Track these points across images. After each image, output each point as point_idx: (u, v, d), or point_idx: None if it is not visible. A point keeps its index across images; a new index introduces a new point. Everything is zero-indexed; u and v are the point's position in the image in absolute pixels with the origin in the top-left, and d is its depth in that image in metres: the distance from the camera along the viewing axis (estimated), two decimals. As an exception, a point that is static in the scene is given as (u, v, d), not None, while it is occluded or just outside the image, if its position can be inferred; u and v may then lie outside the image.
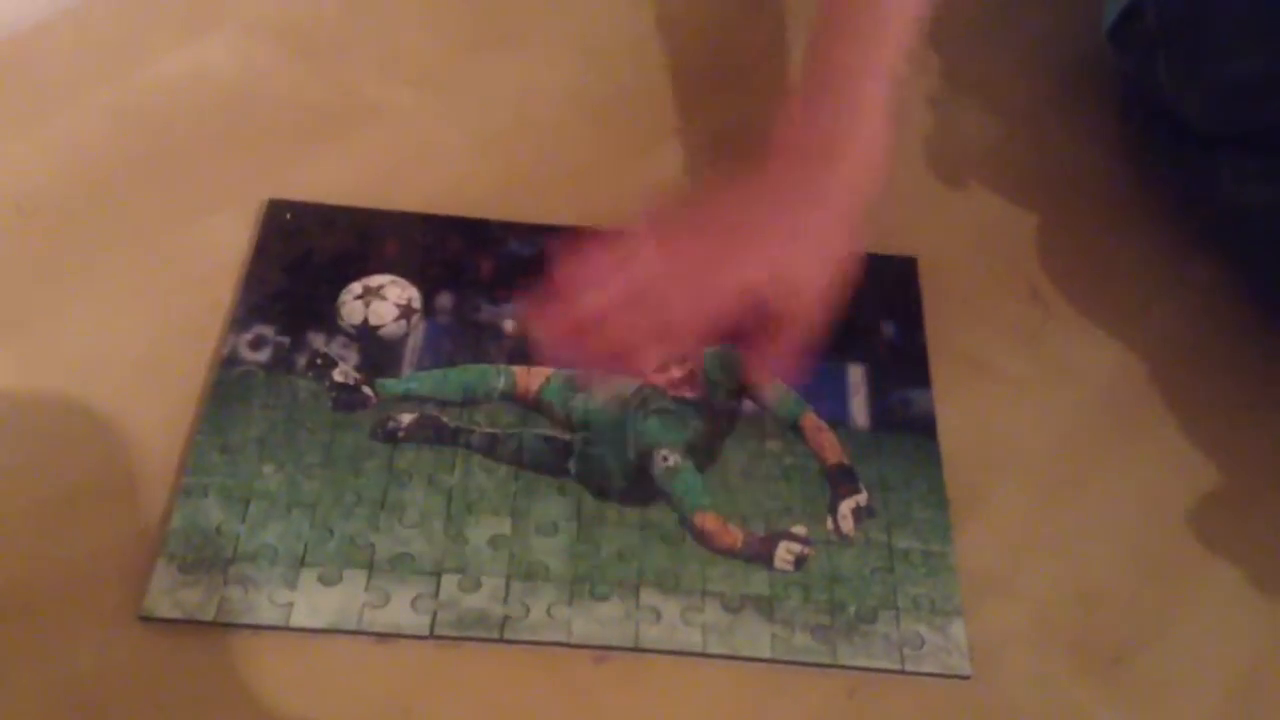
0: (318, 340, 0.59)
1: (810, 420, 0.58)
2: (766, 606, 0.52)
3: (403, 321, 0.60)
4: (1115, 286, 0.65)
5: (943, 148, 0.71)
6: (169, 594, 0.50)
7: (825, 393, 0.59)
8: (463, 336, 0.60)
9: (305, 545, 0.52)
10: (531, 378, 0.58)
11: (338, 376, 0.57)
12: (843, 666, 0.50)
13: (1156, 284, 0.66)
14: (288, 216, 0.63)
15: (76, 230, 0.62)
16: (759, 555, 0.53)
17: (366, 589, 0.51)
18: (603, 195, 0.66)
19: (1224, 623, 0.54)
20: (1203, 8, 0.62)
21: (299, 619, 0.50)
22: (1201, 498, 0.57)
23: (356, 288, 0.61)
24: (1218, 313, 0.64)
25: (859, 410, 0.59)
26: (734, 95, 0.72)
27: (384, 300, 0.60)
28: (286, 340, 0.58)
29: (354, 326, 0.59)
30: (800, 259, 0.53)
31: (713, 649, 0.50)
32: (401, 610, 0.50)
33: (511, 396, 0.58)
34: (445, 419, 0.56)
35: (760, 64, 0.74)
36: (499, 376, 0.58)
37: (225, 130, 0.67)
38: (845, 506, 0.55)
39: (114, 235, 0.62)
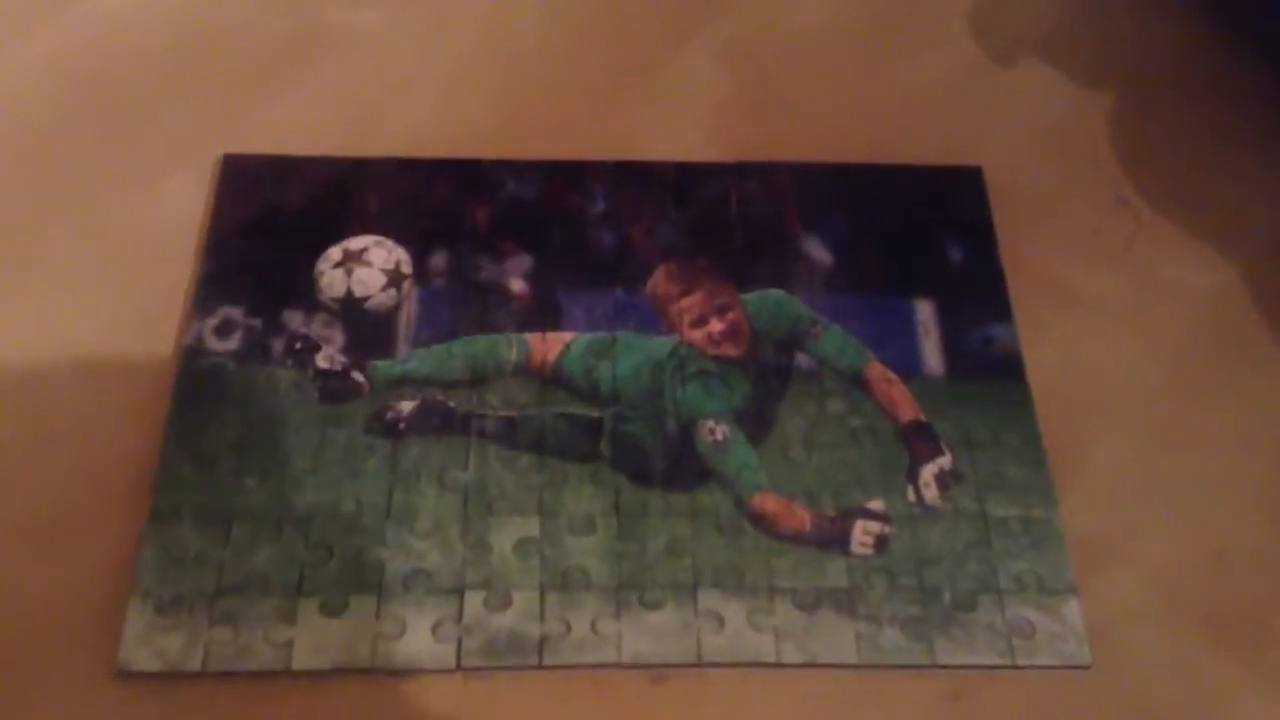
0: (295, 320, 0.50)
1: (876, 371, 0.50)
2: (846, 600, 0.44)
3: (392, 290, 0.51)
4: (1210, 185, 0.56)
5: (997, 35, 0.61)
6: (146, 641, 0.42)
7: (890, 336, 0.51)
8: (463, 302, 0.51)
9: (301, 570, 0.44)
10: (548, 345, 0.50)
11: (322, 363, 0.49)
12: (942, 666, 0.43)
13: (1259, 179, 0.57)
14: (246, 172, 0.54)
15: (4, 206, 0.53)
16: (832, 539, 0.45)
17: (378, 617, 0.43)
18: (606, 121, 0.57)
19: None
20: None
21: (301, 660, 0.42)
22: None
23: (335, 254, 0.52)
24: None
25: (931, 354, 0.50)
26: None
27: (368, 266, 0.51)
28: (258, 323, 0.50)
29: (336, 300, 0.51)
30: None
31: (788, 658, 0.43)
32: (421, 640, 0.43)
33: (526, 370, 0.50)
34: (452, 403, 0.48)
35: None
36: (510, 347, 0.50)
37: (170, 74, 0.58)
38: (927, 472, 0.47)
39: (49, 210, 0.53)
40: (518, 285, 0.52)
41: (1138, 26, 0.61)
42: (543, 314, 0.51)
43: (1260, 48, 0.59)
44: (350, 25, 0.60)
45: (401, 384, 0.49)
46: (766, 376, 0.50)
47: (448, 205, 0.54)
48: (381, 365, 0.49)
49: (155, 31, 0.60)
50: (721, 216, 0.54)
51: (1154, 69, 0.60)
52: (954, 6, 0.61)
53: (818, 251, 0.53)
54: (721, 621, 0.44)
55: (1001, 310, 0.51)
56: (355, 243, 0.52)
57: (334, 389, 0.48)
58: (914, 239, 0.53)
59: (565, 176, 0.55)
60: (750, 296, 0.51)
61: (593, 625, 0.43)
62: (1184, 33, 0.61)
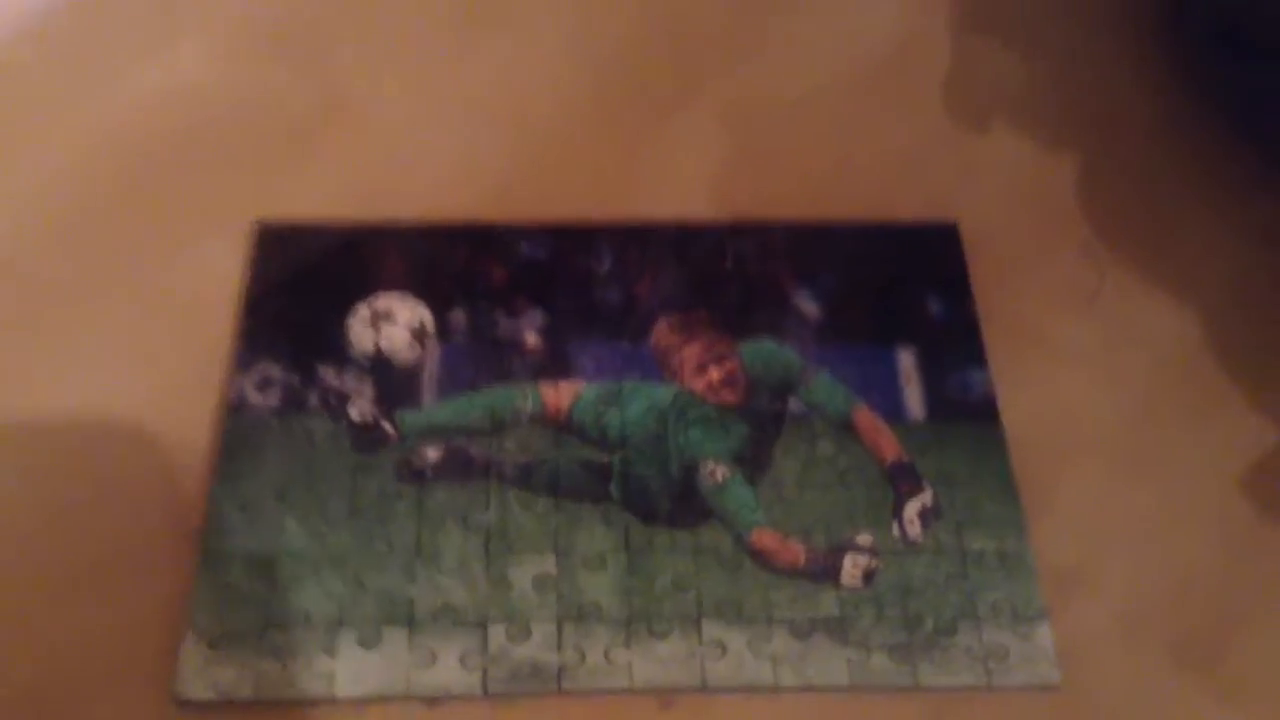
0: (328, 374, 0.55)
1: (863, 415, 0.54)
2: (839, 628, 0.48)
3: (416, 346, 0.56)
4: (1173, 236, 0.61)
5: (971, 100, 0.66)
6: (201, 673, 0.47)
7: (875, 382, 0.55)
8: (482, 356, 0.56)
9: (340, 605, 0.48)
10: (560, 395, 0.54)
11: (354, 415, 0.53)
12: (925, 688, 0.47)
13: (1219, 229, 0.61)
14: (280, 238, 0.59)
15: (56, 277, 0.58)
16: (824, 572, 0.50)
17: (410, 648, 0.48)
18: (613, 181, 0.62)
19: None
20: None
21: (343, 688, 0.47)
22: (1257, 464, 0.53)
23: (364, 312, 0.56)
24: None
25: (913, 399, 0.55)
26: (746, 60, 0.67)
27: (394, 324, 0.56)
28: (295, 378, 0.54)
29: (365, 356, 0.55)
30: None
31: (785, 681, 0.47)
32: (450, 669, 0.47)
33: (541, 418, 0.54)
34: (473, 450, 0.53)
35: (773, 25, 0.68)
36: (526, 397, 0.54)
37: (204, 148, 0.62)
38: (910, 509, 0.51)
39: (99, 275, 0.58)
40: (532, 339, 0.56)
41: (1101, 90, 0.66)
42: (555, 365, 0.55)
43: (1219, 106, 0.64)
44: (370, 99, 0.65)
45: (427, 433, 0.53)
46: (762, 421, 0.54)
47: (466, 266, 0.58)
48: (409, 416, 0.54)
49: (187, 108, 0.64)
50: (719, 272, 0.58)
51: (1116, 129, 0.65)
52: (931, 74, 0.66)
53: (807, 304, 0.57)
54: (724, 649, 0.48)
55: (977, 357, 0.56)
56: (382, 302, 0.57)
57: (366, 439, 0.53)
58: (896, 292, 0.58)
59: (574, 238, 0.59)
60: (746, 346, 0.56)
61: (606, 654, 0.48)
62: (1144, 95, 0.66)
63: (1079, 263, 0.60)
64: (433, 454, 0.53)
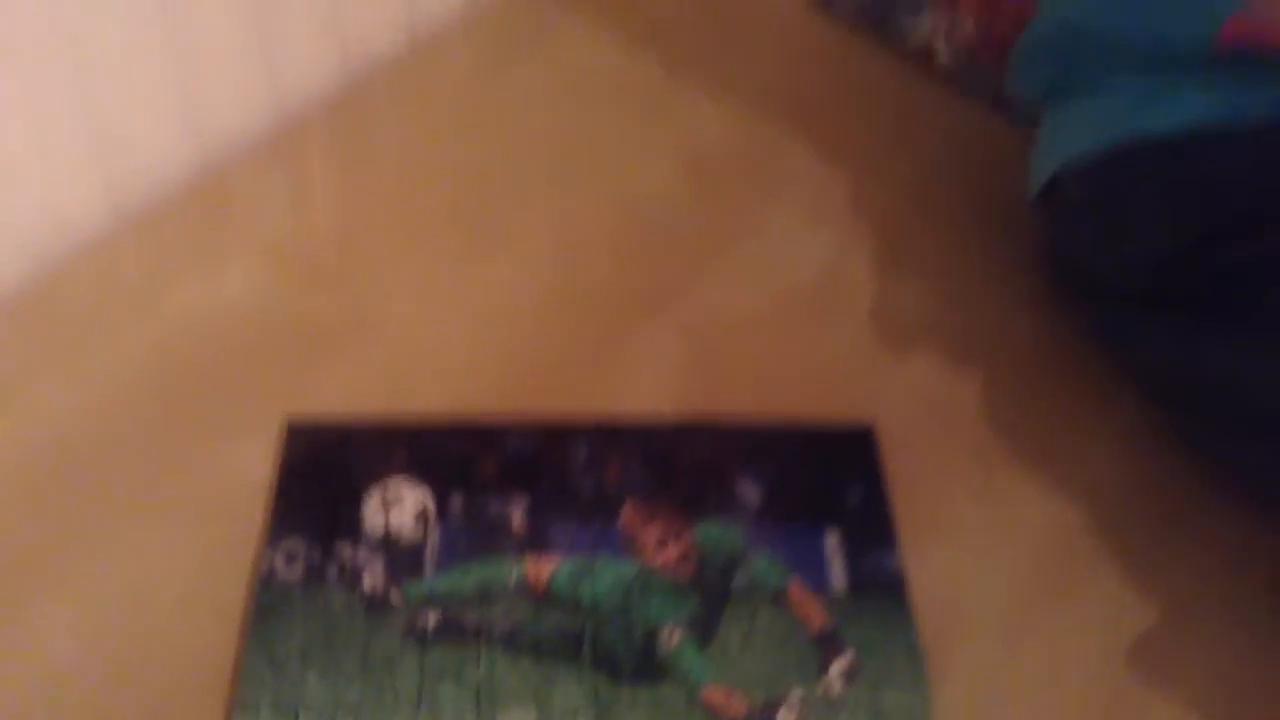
0: (345, 550, 0.65)
1: (795, 589, 0.65)
2: (773, 771, 0.58)
3: (420, 527, 0.66)
4: (1054, 436, 0.73)
5: (885, 315, 0.79)
6: (234, 809, 0.55)
7: (805, 560, 0.66)
8: (475, 535, 0.66)
9: (354, 750, 0.58)
10: (541, 569, 0.65)
11: (366, 586, 0.63)
12: (845, 822, 0.57)
13: (1092, 431, 0.73)
14: (306, 433, 0.70)
15: (114, 467, 0.68)
16: (762, 723, 0.59)
17: (413, 787, 0.56)
18: (587, 384, 0.74)
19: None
20: (1117, 185, 0.69)
21: (354, 822, 0.55)
22: (1139, 638, 0.64)
23: (376, 497, 0.67)
24: (1142, 456, 0.72)
25: (837, 575, 0.65)
26: (702, 283, 0.80)
27: (402, 508, 0.67)
28: (317, 553, 0.64)
29: (377, 535, 0.66)
30: None
31: (729, 816, 0.56)
32: (446, 805, 0.56)
33: (525, 589, 0.64)
34: (467, 617, 0.62)
35: (724, 255, 0.82)
36: (512, 571, 0.64)
37: (241, 356, 0.74)
38: (834, 669, 0.61)
39: (150, 469, 0.68)
40: (518, 520, 0.67)
41: (995, 313, 0.79)
42: (537, 543, 0.66)
43: (1094, 332, 0.77)
44: (385, 312, 0.77)
45: (429, 601, 0.63)
46: (712, 592, 0.64)
47: (463, 458, 0.69)
48: (413, 586, 0.64)
49: (228, 322, 0.75)
50: (676, 463, 0.70)
51: (1008, 346, 0.78)
52: (854, 298, 0.79)
53: (750, 492, 0.69)
54: (678, 788, 0.57)
55: (890, 540, 0.67)
56: (391, 489, 0.67)
57: (376, 606, 0.63)
58: (823, 482, 0.69)
59: (556, 434, 0.70)
60: (699, 527, 0.67)
61: (578, 792, 0.57)
62: (1033, 318, 0.79)
63: (973, 462, 0.72)
64: (433, 619, 0.62)
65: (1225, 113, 0.63)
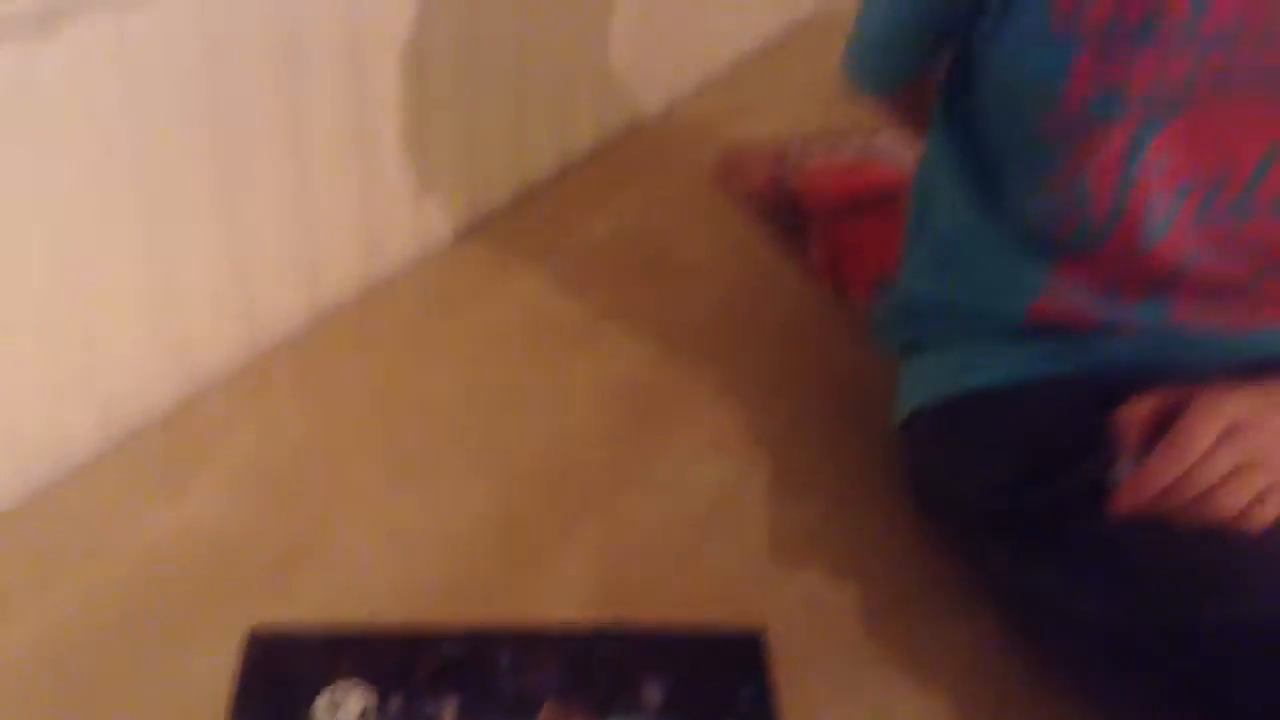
0: (295, 748, 0.73)
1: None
2: None
3: (364, 724, 0.75)
4: (921, 633, 0.84)
5: (779, 534, 0.91)
6: None
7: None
8: (412, 731, 0.75)
9: None
10: (469, 763, 0.73)
11: (316, 778, 0.72)
12: None
13: (951, 638, 0.84)
14: (264, 642, 0.79)
15: (94, 672, 0.77)
16: None
17: None
18: (511, 594, 0.84)
19: None
20: (949, 432, 0.83)
21: None
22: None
23: (325, 698, 0.76)
24: (996, 658, 0.83)
25: (729, 766, 0.75)
26: (616, 500, 0.92)
27: (347, 709, 0.76)
28: (271, 751, 0.73)
29: (325, 733, 0.74)
30: None
31: None
32: None
33: (454, 780, 0.73)
34: (402, 806, 0.71)
35: (636, 471, 0.94)
36: (443, 764, 0.73)
37: (207, 574, 0.84)
38: None
39: (126, 672, 0.77)
40: (449, 717, 0.76)
41: (878, 527, 0.91)
42: (466, 739, 0.75)
43: (951, 547, 0.89)
44: (334, 535, 0.87)
45: (368, 793, 0.71)
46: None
47: (402, 662, 0.79)
48: (354, 780, 0.72)
49: (195, 544, 0.86)
50: (589, 668, 0.80)
51: (886, 555, 0.89)
52: (749, 516, 0.91)
53: (653, 693, 0.78)
54: None
55: (775, 732, 0.77)
56: (340, 691, 0.76)
57: (322, 798, 0.71)
58: (718, 683, 0.79)
59: (482, 641, 0.80)
60: (610, 722, 0.76)
61: None
62: (901, 524, 0.91)
63: (852, 660, 0.82)
64: (372, 810, 0.71)
65: (1031, 372, 0.78)
